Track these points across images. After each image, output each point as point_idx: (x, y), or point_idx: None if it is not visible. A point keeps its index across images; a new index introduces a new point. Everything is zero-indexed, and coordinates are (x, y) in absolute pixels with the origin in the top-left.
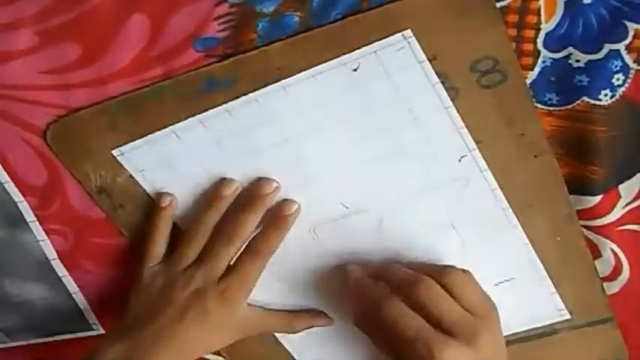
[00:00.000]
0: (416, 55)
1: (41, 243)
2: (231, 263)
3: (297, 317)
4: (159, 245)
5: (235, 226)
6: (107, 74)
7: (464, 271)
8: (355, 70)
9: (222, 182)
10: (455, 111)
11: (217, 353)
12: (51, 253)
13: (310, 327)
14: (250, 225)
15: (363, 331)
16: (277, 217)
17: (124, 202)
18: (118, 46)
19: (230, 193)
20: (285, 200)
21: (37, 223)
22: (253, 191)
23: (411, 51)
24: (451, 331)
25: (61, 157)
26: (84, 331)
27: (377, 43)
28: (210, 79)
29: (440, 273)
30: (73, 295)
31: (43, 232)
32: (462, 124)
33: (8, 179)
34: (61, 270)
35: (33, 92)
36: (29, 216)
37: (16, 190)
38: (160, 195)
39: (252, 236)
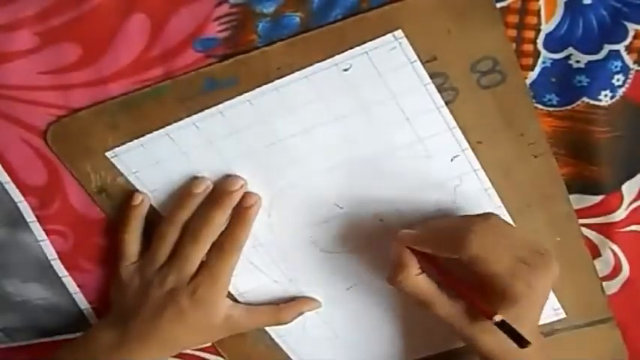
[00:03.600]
0: (407, 56)
1: (41, 243)
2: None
3: (284, 308)
4: (132, 244)
5: (202, 224)
6: (107, 74)
7: None
8: (346, 70)
9: (193, 180)
10: (447, 111)
11: (217, 353)
12: (51, 253)
13: (300, 315)
14: (217, 222)
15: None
16: (239, 211)
17: (124, 202)
18: (118, 46)
19: (201, 191)
20: (246, 193)
21: (37, 223)
22: (220, 188)
23: (402, 51)
24: (529, 263)
25: (61, 157)
26: (84, 331)
27: (368, 43)
28: (211, 79)
29: (484, 217)
30: (73, 295)
31: (43, 233)
32: (454, 123)
33: (8, 179)
34: (61, 270)
35: (33, 92)
36: (29, 216)
37: (16, 190)
38: (132, 193)
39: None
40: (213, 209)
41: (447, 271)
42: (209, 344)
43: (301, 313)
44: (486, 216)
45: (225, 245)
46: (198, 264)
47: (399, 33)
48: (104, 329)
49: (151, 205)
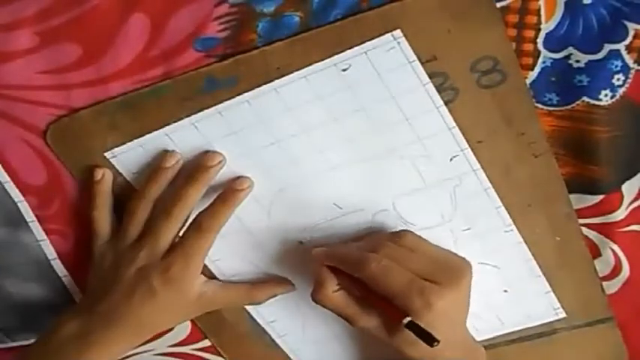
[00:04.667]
0: (406, 55)
1: (41, 243)
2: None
3: (258, 287)
4: (102, 222)
5: (175, 199)
6: (107, 74)
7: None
8: (344, 70)
9: (163, 154)
10: (446, 110)
11: (217, 353)
12: (51, 253)
13: (273, 296)
14: (190, 198)
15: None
16: (227, 192)
17: (125, 201)
18: (118, 46)
19: (171, 165)
20: (238, 177)
21: (37, 223)
22: (196, 164)
23: (401, 51)
24: (433, 279)
25: (61, 157)
26: None
27: (367, 43)
28: (211, 79)
29: (397, 235)
30: (74, 295)
31: (43, 232)
32: (453, 123)
33: (8, 179)
34: (61, 270)
35: (33, 92)
36: (29, 216)
37: (16, 190)
38: (93, 169)
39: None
40: (188, 184)
41: (362, 284)
42: (209, 344)
43: (275, 295)
44: (397, 235)
45: (203, 224)
46: (170, 241)
47: (397, 33)
48: (67, 320)
49: (130, 186)
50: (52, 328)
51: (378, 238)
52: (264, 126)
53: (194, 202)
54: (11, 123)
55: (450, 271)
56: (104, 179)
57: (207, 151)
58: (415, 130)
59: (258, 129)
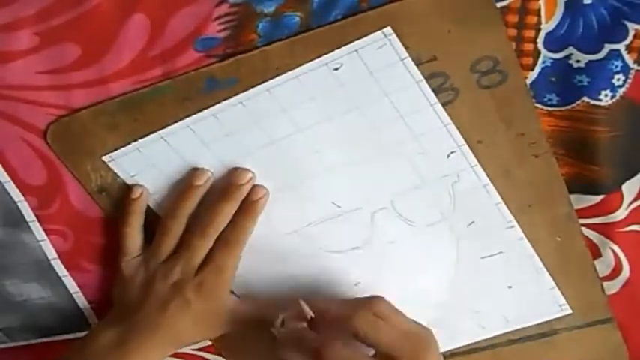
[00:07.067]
0: (398, 53)
1: (41, 243)
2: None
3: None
4: (134, 238)
5: (210, 217)
6: (107, 74)
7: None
8: (336, 69)
9: (194, 172)
10: (441, 107)
11: (218, 353)
12: (51, 253)
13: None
14: (224, 216)
15: None
16: (246, 204)
17: (124, 197)
18: (118, 46)
19: (202, 183)
20: (254, 186)
21: (37, 223)
22: (228, 182)
23: (392, 48)
24: (395, 354)
25: (62, 157)
26: (84, 331)
27: (358, 41)
28: (211, 79)
29: (369, 303)
30: (73, 295)
31: (43, 232)
32: (448, 120)
33: (8, 179)
34: (61, 270)
35: (33, 92)
36: (29, 216)
37: (16, 190)
38: (132, 187)
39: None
40: (223, 202)
41: None
42: (209, 343)
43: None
44: (371, 301)
45: (230, 239)
46: (203, 257)
47: (388, 30)
48: (104, 329)
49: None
50: (87, 339)
51: (351, 304)
52: (259, 127)
53: (227, 220)
54: (11, 123)
55: (416, 345)
56: (142, 198)
57: (237, 169)
58: (410, 128)
59: (253, 130)
